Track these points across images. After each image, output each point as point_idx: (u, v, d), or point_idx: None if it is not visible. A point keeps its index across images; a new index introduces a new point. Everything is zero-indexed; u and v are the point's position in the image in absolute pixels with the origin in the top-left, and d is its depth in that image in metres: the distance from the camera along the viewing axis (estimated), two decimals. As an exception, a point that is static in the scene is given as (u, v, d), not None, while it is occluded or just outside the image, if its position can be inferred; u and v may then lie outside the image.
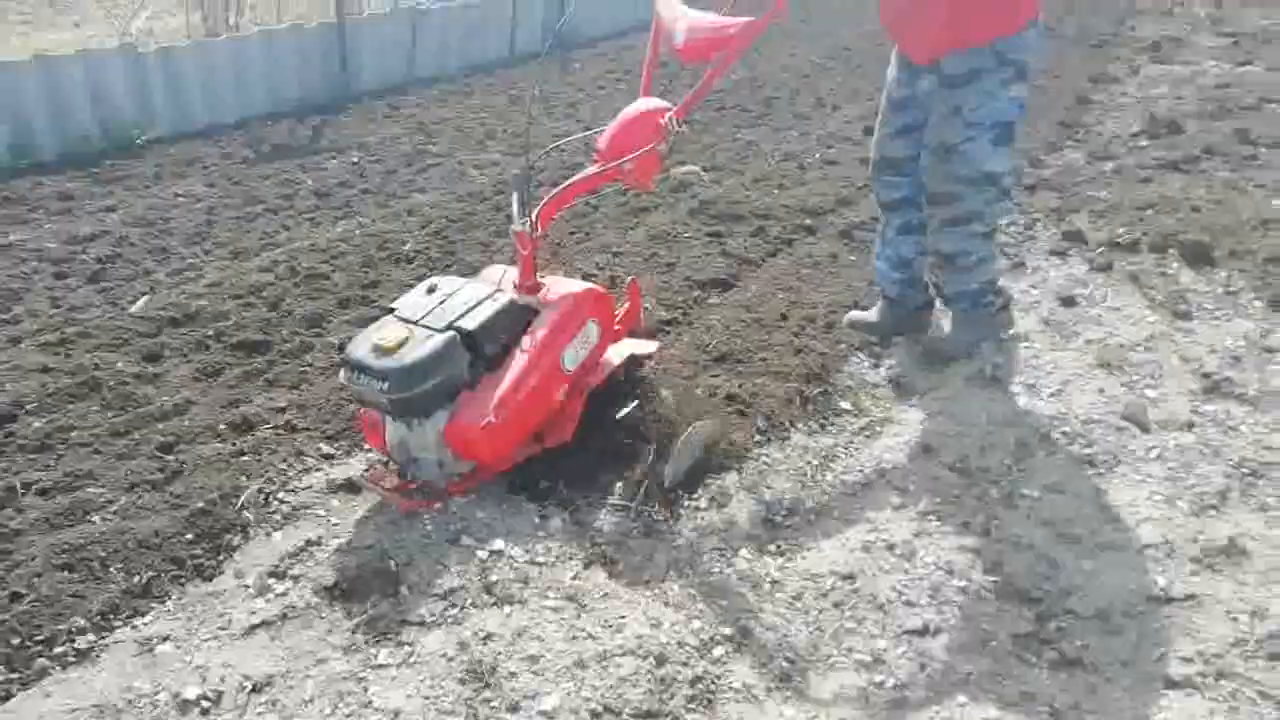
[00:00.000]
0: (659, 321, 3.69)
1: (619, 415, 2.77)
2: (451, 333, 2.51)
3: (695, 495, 2.67)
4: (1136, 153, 5.79)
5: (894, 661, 2.13)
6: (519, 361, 2.58)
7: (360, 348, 2.50)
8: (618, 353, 2.92)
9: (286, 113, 7.12)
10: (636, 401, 2.82)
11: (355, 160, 6.02)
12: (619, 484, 2.67)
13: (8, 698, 2.02)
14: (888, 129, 3.37)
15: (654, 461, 2.67)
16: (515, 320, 2.66)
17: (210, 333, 3.63)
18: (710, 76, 2.71)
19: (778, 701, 2.03)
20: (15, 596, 2.24)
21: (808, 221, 4.81)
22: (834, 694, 2.05)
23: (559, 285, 2.79)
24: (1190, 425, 3.02)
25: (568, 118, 7.04)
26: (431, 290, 2.67)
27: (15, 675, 2.06)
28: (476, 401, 2.52)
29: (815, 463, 2.86)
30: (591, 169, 2.71)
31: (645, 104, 2.72)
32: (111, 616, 2.23)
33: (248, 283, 4.09)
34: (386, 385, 2.41)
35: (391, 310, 2.65)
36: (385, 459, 2.72)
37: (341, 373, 2.54)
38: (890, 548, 2.48)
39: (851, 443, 2.99)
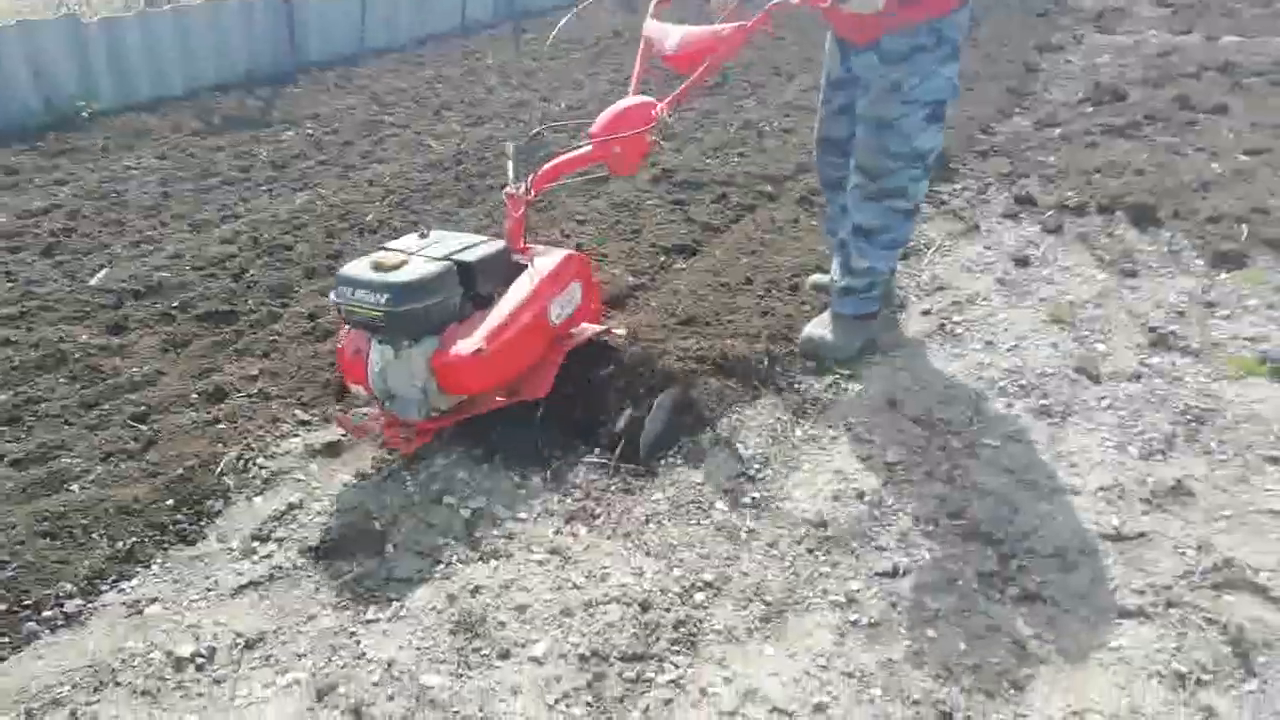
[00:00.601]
0: (628, 287, 3.75)
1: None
2: (450, 262, 2.55)
3: (671, 454, 2.74)
4: (1082, 119, 5.95)
5: (867, 601, 2.23)
6: (511, 300, 2.64)
7: (357, 267, 2.52)
8: (592, 326, 2.98)
9: (234, 84, 6.99)
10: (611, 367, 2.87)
11: (310, 132, 5.95)
12: (595, 448, 2.73)
13: (1, 660, 2.03)
14: (828, 108, 3.40)
15: (629, 424, 2.71)
16: (507, 268, 2.73)
17: (175, 304, 3.60)
18: (700, 75, 2.86)
19: (758, 641, 2.12)
20: (-1, 564, 2.24)
21: (768, 188, 4.88)
22: (811, 632, 2.14)
23: (545, 249, 2.89)
24: (1138, 376, 3.16)
25: (523, 87, 7.02)
26: (424, 235, 2.72)
27: (4, 639, 2.08)
28: (466, 332, 2.55)
29: (785, 418, 2.95)
30: (585, 148, 2.83)
31: (635, 99, 2.88)
32: (98, 581, 2.25)
33: (209, 254, 4.05)
34: (385, 298, 2.42)
35: (384, 248, 2.66)
36: (358, 400, 2.75)
37: (333, 292, 2.54)
38: (860, 496, 2.58)
39: (819, 399, 3.08)
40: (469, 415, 2.69)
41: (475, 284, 2.61)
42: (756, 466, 2.71)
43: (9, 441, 2.74)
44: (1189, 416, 2.94)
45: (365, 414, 2.73)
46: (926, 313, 3.64)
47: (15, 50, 5.78)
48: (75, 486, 2.55)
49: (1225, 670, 2.03)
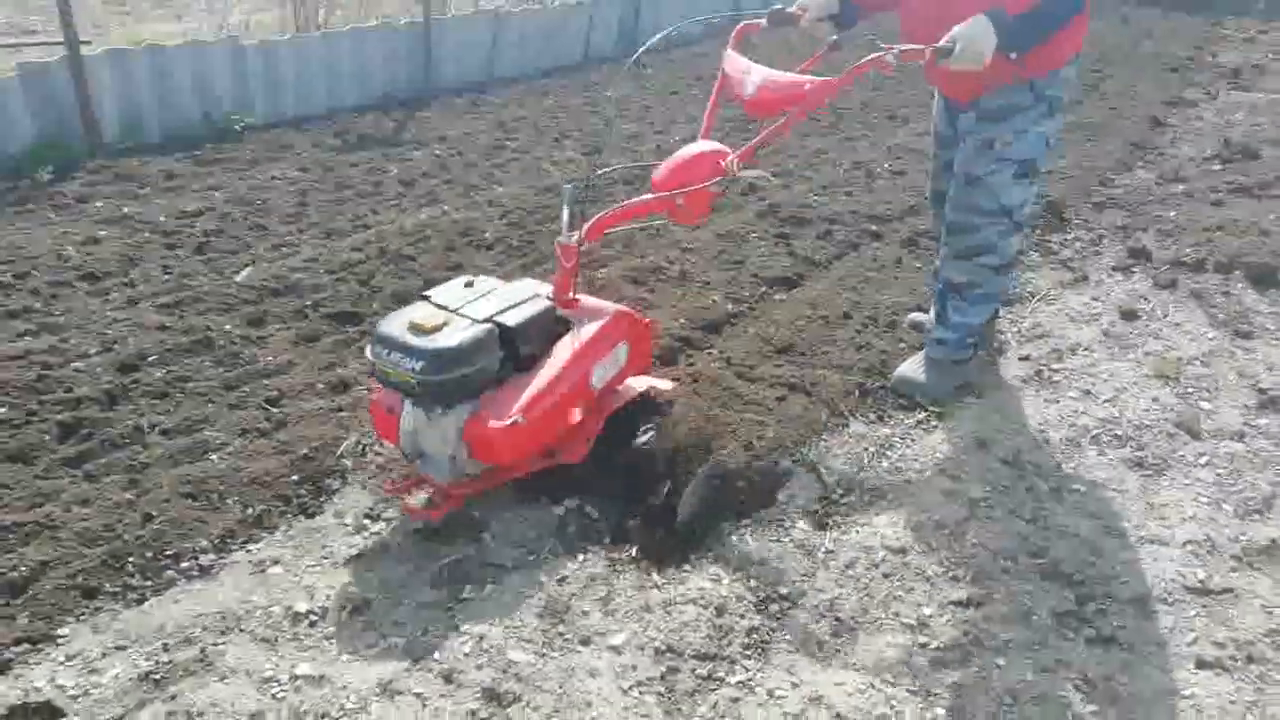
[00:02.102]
0: (726, 314, 3.88)
1: (637, 441, 2.69)
2: (491, 325, 2.45)
3: (706, 547, 2.54)
4: (1208, 176, 5.81)
5: (938, 627, 2.28)
6: (550, 368, 2.52)
7: (394, 324, 2.41)
8: (638, 383, 2.86)
9: (372, 106, 7.45)
10: (653, 430, 2.72)
11: (438, 152, 6.31)
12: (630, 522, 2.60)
13: (143, 600, 2.29)
14: (937, 163, 3.41)
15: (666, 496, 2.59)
16: (551, 327, 2.62)
17: (308, 303, 3.91)
18: (779, 128, 2.71)
19: (828, 654, 2.20)
20: (148, 517, 2.52)
21: (874, 228, 4.95)
22: (880, 650, 2.21)
23: (594, 304, 2.77)
24: (1241, 436, 3.11)
25: (640, 120, 7.27)
26: (469, 285, 2.62)
27: (148, 583, 2.34)
28: (503, 400, 2.44)
29: (872, 450, 3.01)
30: (647, 196, 2.69)
31: (704, 145, 2.72)
32: (229, 540, 2.50)
33: (340, 260, 4.37)
34: (419, 366, 2.31)
35: (426, 298, 2.59)
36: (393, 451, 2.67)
37: (369, 348, 2.45)
38: (940, 528, 2.63)
39: (908, 434, 3.13)
40: (502, 481, 2.62)
41: (517, 347, 2.50)
42: (840, 491, 2.79)
43: (161, 414, 3.05)
44: (1293, 480, 2.88)
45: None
46: (1025, 358, 3.65)
47: (185, 68, 6.35)
48: (215, 457, 2.83)
49: (1305, 730, 2.00)
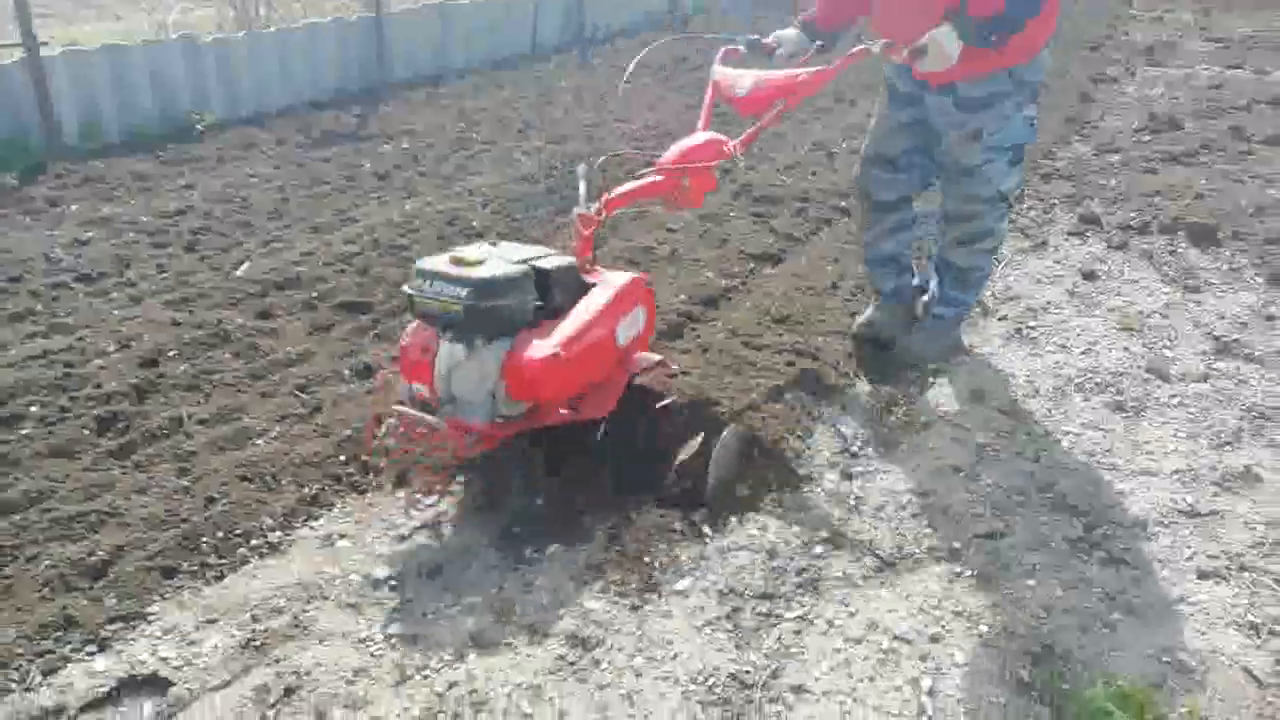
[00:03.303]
0: (722, 289, 4.06)
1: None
2: (528, 265, 2.55)
3: (730, 520, 2.62)
4: (1140, 146, 6.22)
5: (969, 557, 2.50)
6: (584, 311, 2.61)
7: (435, 261, 2.51)
8: (650, 355, 2.94)
9: (327, 101, 7.44)
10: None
11: (406, 145, 6.36)
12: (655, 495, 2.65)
13: (222, 577, 2.37)
14: (887, 125, 3.43)
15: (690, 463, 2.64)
16: (576, 283, 2.71)
17: (315, 294, 3.97)
18: (774, 115, 2.89)
19: (874, 586, 2.40)
20: (210, 500, 2.59)
21: (842, 203, 5.18)
22: (922, 580, 2.42)
23: (611, 271, 2.88)
24: (1206, 378, 3.42)
25: (597, 109, 7.40)
26: (494, 245, 2.71)
27: (223, 561, 2.42)
28: (540, 337, 2.51)
29: (880, 405, 3.23)
30: (654, 177, 2.82)
31: (706, 134, 2.93)
32: (292, 519, 2.59)
33: (336, 252, 4.42)
34: (466, 292, 2.39)
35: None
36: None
37: (408, 284, 2.52)
38: (956, 470, 2.86)
39: (909, 391, 3.36)
40: (529, 428, 2.61)
41: (549, 292, 2.58)
42: (859, 444, 3.00)
43: (194, 405, 3.10)
44: (1255, 414, 3.18)
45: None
46: (1003, 319, 3.91)
47: (142, 67, 6.28)
48: (260, 442, 2.90)
49: (1295, 623, 2.28)
